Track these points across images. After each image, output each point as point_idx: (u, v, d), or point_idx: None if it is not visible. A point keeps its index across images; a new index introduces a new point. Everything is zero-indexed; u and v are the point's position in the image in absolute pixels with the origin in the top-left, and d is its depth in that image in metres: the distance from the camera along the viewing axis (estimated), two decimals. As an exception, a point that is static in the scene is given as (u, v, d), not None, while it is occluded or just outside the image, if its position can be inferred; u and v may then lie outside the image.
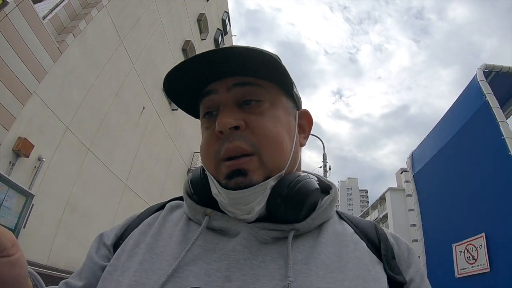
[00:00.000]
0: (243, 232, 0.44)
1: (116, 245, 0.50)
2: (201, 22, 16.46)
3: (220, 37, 19.67)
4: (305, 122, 0.55)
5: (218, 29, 19.76)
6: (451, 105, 2.33)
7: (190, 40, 12.26)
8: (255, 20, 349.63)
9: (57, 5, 6.97)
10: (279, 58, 0.47)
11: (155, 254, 0.44)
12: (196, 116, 0.53)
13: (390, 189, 32.78)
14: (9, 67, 4.97)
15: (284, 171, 0.46)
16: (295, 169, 0.50)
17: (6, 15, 4.80)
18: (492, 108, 1.54)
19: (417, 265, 0.49)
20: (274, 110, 0.47)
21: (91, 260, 0.49)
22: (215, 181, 0.45)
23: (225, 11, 21.85)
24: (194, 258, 0.42)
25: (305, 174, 0.49)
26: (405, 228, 28.22)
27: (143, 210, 0.56)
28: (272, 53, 0.47)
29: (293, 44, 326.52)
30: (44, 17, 5.98)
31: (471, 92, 1.78)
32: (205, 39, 16.66)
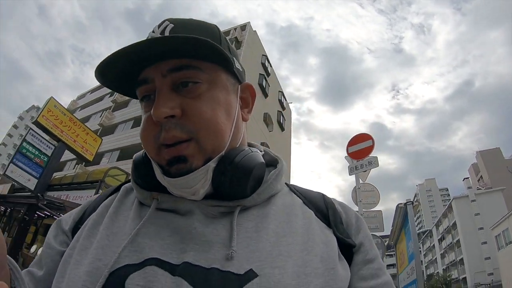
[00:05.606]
0: (192, 210, 0.45)
1: (75, 229, 0.50)
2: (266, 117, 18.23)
3: (264, 80, 18.94)
4: (248, 96, 0.54)
5: (260, 74, 19.36)
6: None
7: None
8: (291, 35, 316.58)
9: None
10: (218, 30, 0.48)
11: (112, 233, 0.45)
12: (136, 97, 0.50)
13: (454, 198, 36.20)
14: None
15: (223, 151, 0.46)
16: (238, 145, 0.50)
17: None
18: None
19: (365, 231, 0.50)
20: (213, 91, 0.46)
21: (49, 246, 0.49)
22: (157, 166, 0.45)
23: (263, 55, 21.22)
24: (149, 234, 0.43)
25: (248, 148, 0.48)
26: (473, 232, 30.80)
27: (98, 194, 0.57)
28: (210, 24, 0.47)
29: (335, 49, 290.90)
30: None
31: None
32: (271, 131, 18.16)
